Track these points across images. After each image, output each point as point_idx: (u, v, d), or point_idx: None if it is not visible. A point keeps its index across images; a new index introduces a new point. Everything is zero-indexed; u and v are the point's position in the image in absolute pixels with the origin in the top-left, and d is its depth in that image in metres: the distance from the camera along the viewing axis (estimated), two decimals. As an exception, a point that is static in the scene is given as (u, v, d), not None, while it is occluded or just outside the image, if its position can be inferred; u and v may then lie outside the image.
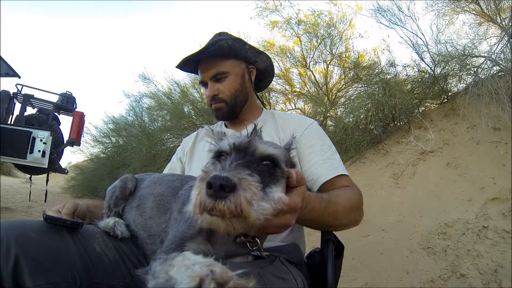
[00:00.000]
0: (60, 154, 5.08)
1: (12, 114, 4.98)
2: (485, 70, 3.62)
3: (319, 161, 1.03)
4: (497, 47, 3.61)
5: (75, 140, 5.18)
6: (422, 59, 4.35)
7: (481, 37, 4.07)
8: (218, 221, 0.50)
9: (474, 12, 4.26)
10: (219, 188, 0.48)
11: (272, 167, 0.59)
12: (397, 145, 3.96)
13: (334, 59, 5.80)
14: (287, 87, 6.46)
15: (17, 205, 5.52)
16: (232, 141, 0.59)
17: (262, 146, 0.59)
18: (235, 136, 0.63)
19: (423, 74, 4.37)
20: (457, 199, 2.69)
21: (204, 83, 1.19)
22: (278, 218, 0.57)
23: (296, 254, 0.94)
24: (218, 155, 0.62)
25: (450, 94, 4.20)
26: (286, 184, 0.62)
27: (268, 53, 1.31)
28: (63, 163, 5.44)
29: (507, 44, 3.47)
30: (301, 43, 6.01)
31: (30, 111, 5.18)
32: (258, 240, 0.72)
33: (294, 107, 6.69)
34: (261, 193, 0.52)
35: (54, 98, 5.35)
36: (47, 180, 4.99)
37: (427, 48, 4.28)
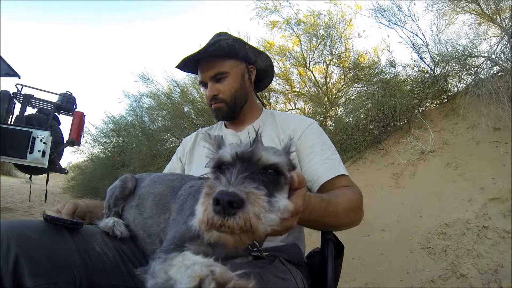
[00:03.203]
0: (60, 154, 5.07)
1: (12, 114, 4.97)
2: (485, 70, 3.62)
3: (319, 161, 1.03)
4: (497, 47, 3.61)
5: (75, 140, 5.17)
6: (422, 59, 4.35)
7: (481, 37, 4.07)
8: (227, 236, 0.49)
9: (474, 12, 4.26)
10: (227, 205, 0.47)
11: (276, 175, 0.58)
12: (397, 145, 3.96)
13: (334, 59, 5.80)
14: (287, 87, 6.46)
15: (17, 205, 5.52)
16: (235, 151, 0.57)
17: (265, 154, 0.58)
18: (235, 144, 0.61)
19: (423, 74, 4.37)
20: (457, 199, 2.69)
21: (204, 83, 1.19)
22: (281, 223, 0.57)
23: (296, 254, 0.94)
24: (219, 165, 0.60)
25: (450, 94, 4.21)
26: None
27: (268, 53, 1.31)
28: (63, 163, 5.43)
29: (507, 44, 3.47)
30: (300, 43, 6.00)
31: (30, 111, 5.17)
32: (257, 241, 0.72)
33: (294, 107, 6.69)
34: (268, 205, 0.51)
35: (54, 98, 5.34)
36: (47, 180, 4.99)
37: (427, 48, 4.28)
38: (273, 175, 0.58)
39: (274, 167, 0.58)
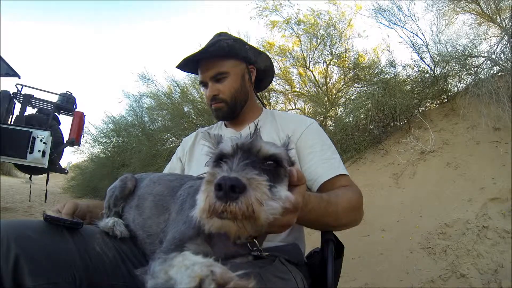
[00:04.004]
0: (60, 154, 5.07)
1: (12, 114, 4.97)
2: (485, 70, 3.63)
3: (319, 161, 1.03)
4: (497, 47, 3.61)
5: (75, 140, 5.17)
6: (422, 59, 4.35)
7: (481, 37, 4.08)
8: (229, 224, 0.49)
9: (474, 12, 4.26)
10: (229, 189, 0.47)
11: (276, 167, 0.59)
12: (397, 145, 3.96)
13: (333, 59, 5.80)
14: (287, 87, 6.46)
15: (17, 205, 5.52)
16: (235, 142, 0.58)
17: (265, 146, 0.59)
18: (235, 137, 0.61)
19: (423, 74, 4.37)
20: (457, 199, 2.69)
21: (204, 83, 1.19)
22: (281, 217, 0.57)
23: (296, 254, 0.94)
24: (220, 158, 0.60)
25: (450, 94, 4.21)
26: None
27: (268, 53, 1.31)
28: (63, 163, 5.44)
29: (507, 44, 3.47)
30: (300, 43, 6.01)
31: (30, 111, 5.17)
32: (257, 240, 0.72)
33: (294, 107, 6.69)
34: (269, 192, 0.51)
35: (54, 98, 5.34)
36: (47, 180, 4.99)
37: (427, 48, 4.29)
38: (273, 166, 0.58)
39: (273, 158, 0.59)
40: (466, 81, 4.02)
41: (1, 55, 5.04)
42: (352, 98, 5.28)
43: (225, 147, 0.59)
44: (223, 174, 0.49)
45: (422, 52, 4.34)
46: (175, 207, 0.80)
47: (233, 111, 1.19)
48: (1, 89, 4.90)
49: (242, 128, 1.21)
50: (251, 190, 0.48)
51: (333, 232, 0.97)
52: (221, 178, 0.48)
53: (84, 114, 5.40)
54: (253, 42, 6.03)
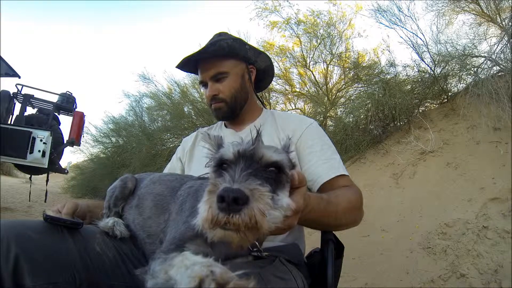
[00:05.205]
0: (60, 154, 5.08)
1: (12, 114, 4.98)
2: (485, 70, 3.62)
3: (319, 161, 1.03)
4: (497, 47, 3.61)
5: (75, 140, 5.18)
6: (422, 59, 4.35)
7: (481, 37, 4.07)
8: (232, 234, 0.49)
9: (474, 12, 4.26)
10: (232, 202, 0.47)
11: (278, 173, 0.58)
12: (397, 145, 3.96)
13: (334, 59, 5.80)
14: (287, 87, 6.46)
15: (17, 205, 5.52)
16: (237, 149, 0.57)
17: (267, 153, 0.58)
18: (237, 142, 0.61)
19: (423, 74, 4.37)
20: (457, 199, 2.69)
21: (204, 83, 1.19)
22: (284, 221, 0.57)
23: (296, 254, 0.94)
24: (220, 164, 0.60)
25: (450, 94, 4.20)
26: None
27: (268, 53, 1.31)
28: (63, 163, 5.44)
29: (507, 44, 3.47)
30: (300, 43, 6.01)
31: (30, 111, 5.18)
32: (257, 241, 0.72)
33: (294, 107, 6.69)
34: (271, 202, 0.51)
35: (54, 98, 5.35)
36: (47, 180, 4.99)
37: (427, 48, 4.28)
38: (275, 173, 0.58)
39: (276, 165, 0.58)
40: (466, 81, 4.02)
41: (1, 55, 5.05)
42: (352, 98, 5.28)
43: (227, 153, 0.59)
44: (225, 185, 0.49)
45: (422, 52, 4.33)
46: (175, 207, 0.80)
47: (233, 111, 1.19)
48: (1, 89, 4.90)
49: (242, 128, 1.21)
50: (254, 201, 0.48)
51: (333, 232, 0.97)
52: (224, 190, 0.48)
53: (84, 114, 5.42)
54: (253, 43, 6.03)
